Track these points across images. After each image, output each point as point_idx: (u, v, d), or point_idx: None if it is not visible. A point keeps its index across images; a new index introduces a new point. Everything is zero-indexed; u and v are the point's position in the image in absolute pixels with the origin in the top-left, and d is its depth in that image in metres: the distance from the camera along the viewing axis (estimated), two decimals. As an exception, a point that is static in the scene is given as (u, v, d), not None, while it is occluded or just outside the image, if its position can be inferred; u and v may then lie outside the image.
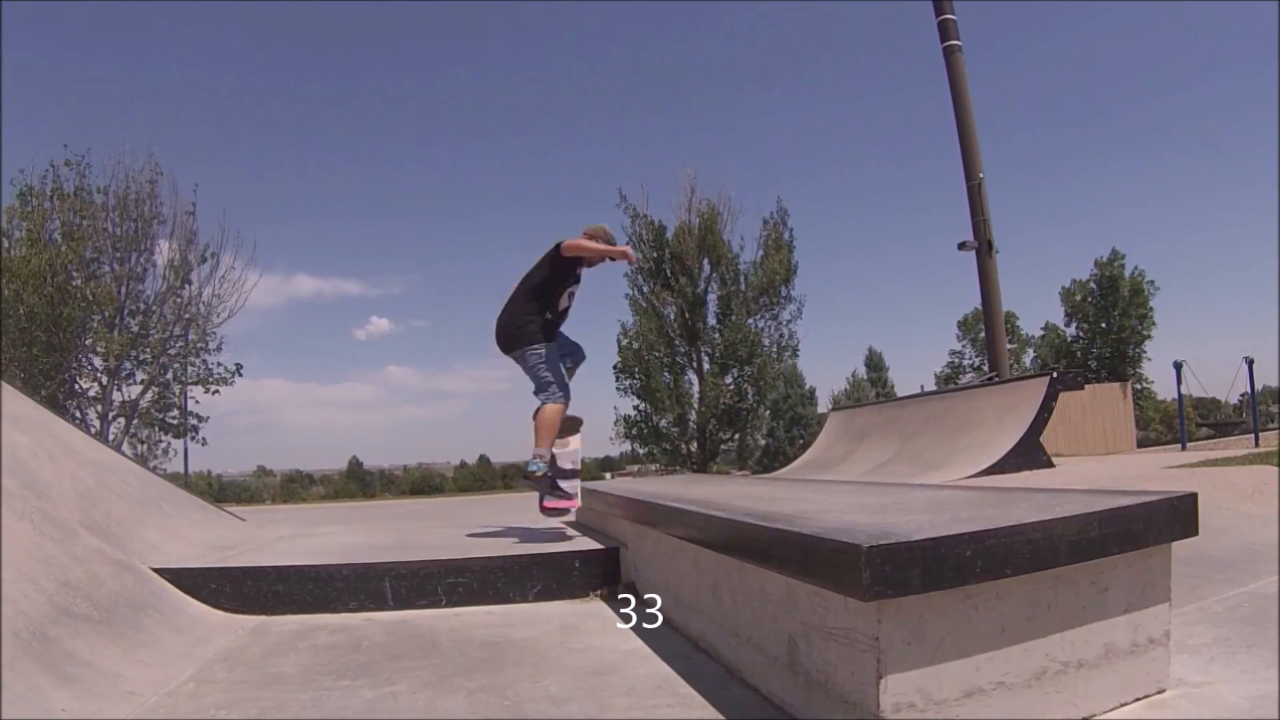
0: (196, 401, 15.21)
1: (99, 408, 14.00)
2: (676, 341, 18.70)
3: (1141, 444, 18.71)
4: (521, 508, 8.65)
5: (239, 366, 15.35)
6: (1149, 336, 29.84)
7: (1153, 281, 29.83)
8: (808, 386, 28.17)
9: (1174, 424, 18.74)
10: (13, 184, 13.63)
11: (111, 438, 13.60)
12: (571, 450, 4.05)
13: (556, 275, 3.93)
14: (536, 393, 3.86)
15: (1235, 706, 1.56)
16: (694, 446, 18.72)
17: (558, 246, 3.90)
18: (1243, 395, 19.44)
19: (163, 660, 2.27)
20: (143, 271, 14.62)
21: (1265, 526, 3.58)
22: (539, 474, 3.75)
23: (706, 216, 18.78)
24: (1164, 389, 30.09)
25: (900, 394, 24.49)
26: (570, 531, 4.21)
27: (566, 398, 3.88)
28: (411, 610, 2.98)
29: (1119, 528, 1.55)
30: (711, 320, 18.88)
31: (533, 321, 3.88)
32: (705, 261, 18.66)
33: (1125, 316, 29.66)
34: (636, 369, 18.46)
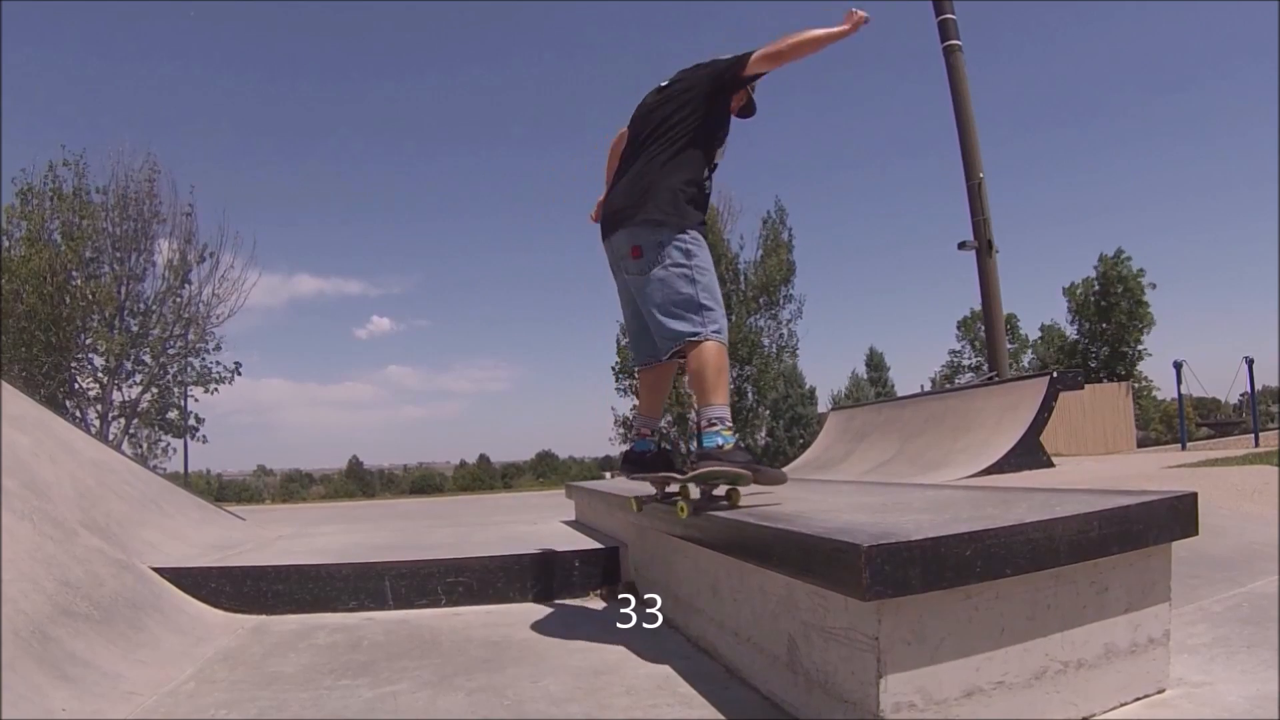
0: (196, 400, 15.23)
1: (99, 408, 14.00)
2: (677, 341, 18.72)
3: (1141, 444, 18.70)
4: (522, 507, 8.66)
5: (238, 365, 15.38)
6: (1145, 331, 29.84)
7: (1151, 281, 29.86)
8: (808, 386, 28.13)
9: (1174, 424, 18.74)
10: (13, 183, 13.66)
11: (111, 438, 13.60)
12: None
13: (719, 118, 2.53)
14: (668, 319, 2.37)
15: (1235, 706, 1.56)
16: (694, 446, 18.73)
17: (737, 64, 2.45)
18: (1243, 395, 19.46)
19: (163, 660, 2.27)
20: (142, 271, 14.65)
21: (1265, 526, 3.58)
22: (729, 446, 2.28)
23: (707, 216, 18.80)
24: (1164, 389, 30.12)
25: (900, 394, 24.50)
26: (570, 531, 4.21)
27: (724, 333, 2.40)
28: (411, 610, 2.98)
29: (1119, 528, 1.55)
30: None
31: (691, 193, 2.46)
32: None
33: (1123, 314, 29.67)
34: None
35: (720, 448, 2.28)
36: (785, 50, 2.42)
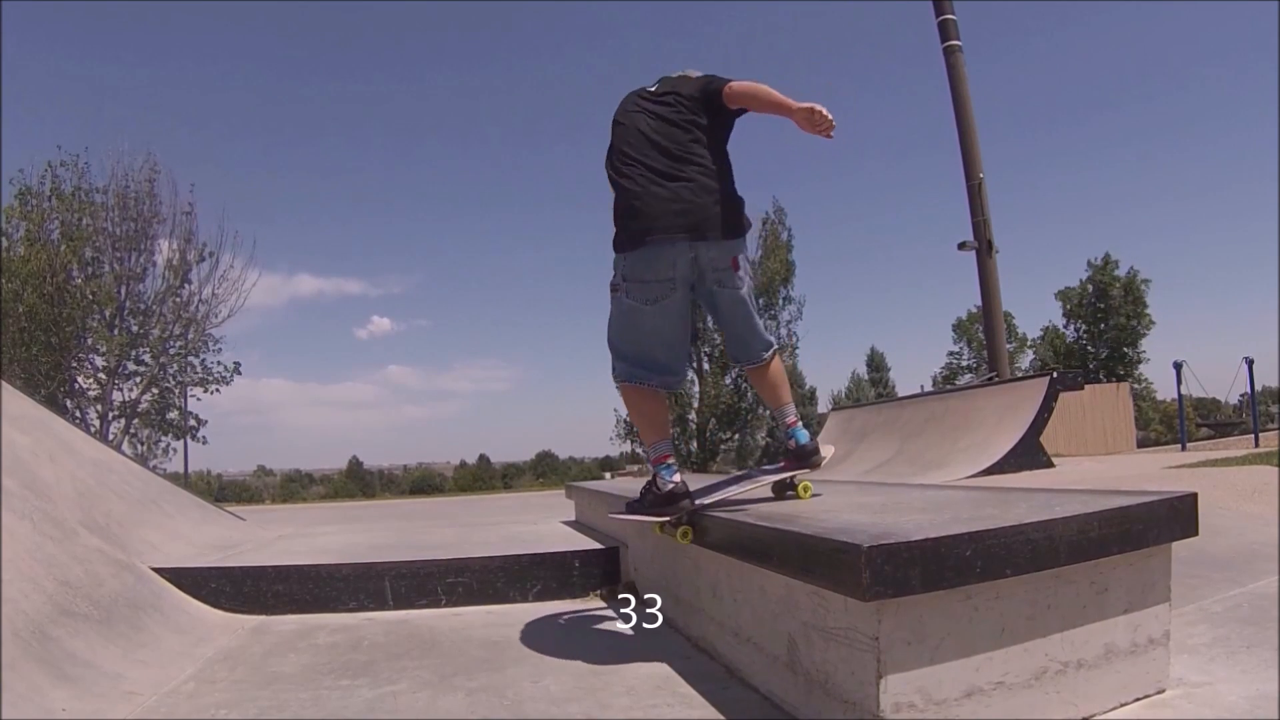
0: (198, 400, 15.24)
1: (99, 408, 14.01)
2: (676, 342, 18.70)
3: (1141, 444, 18.70)
4: (521, 507, 8.66)
5: (237, 365, 15.38)
6: (1144, 334, 29.86)
7: (1147, 280, 29.87)
8: (808, 386, 28.21)
9: (1174, 424, 18.75)
10: (12, 184, 13.66)
11: (111, 438, 13.60)
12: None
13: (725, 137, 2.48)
14: (762, 331, 2.51)
15: (1235, 706, 1.56)
16: (694, 446, 18.74)
17: (715, 90, 2.38)
18: (1243, 395, 19.44)
19: (163, 660, 2.27)
20: (142, 271, 14.65)
21: (1265, 526, 3.58)
22: (811, 441, 2.51)
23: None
24: (1164, 389, 30.15)
25: (901, 394, 24.51)
26: (570, 531, 4.21)
27: None
28: (411, 610, 2.98)
29: (1119, 528, 1.55)
30: (711, 320, 18.90)
31: None
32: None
33: (1121, 316, 29.68)
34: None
35: (806, 450, 2.48)
36: (746, 94, 2.35)
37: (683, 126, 2.38)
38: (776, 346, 2.56)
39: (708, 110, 2.40)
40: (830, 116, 2.24)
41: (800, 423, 2.52)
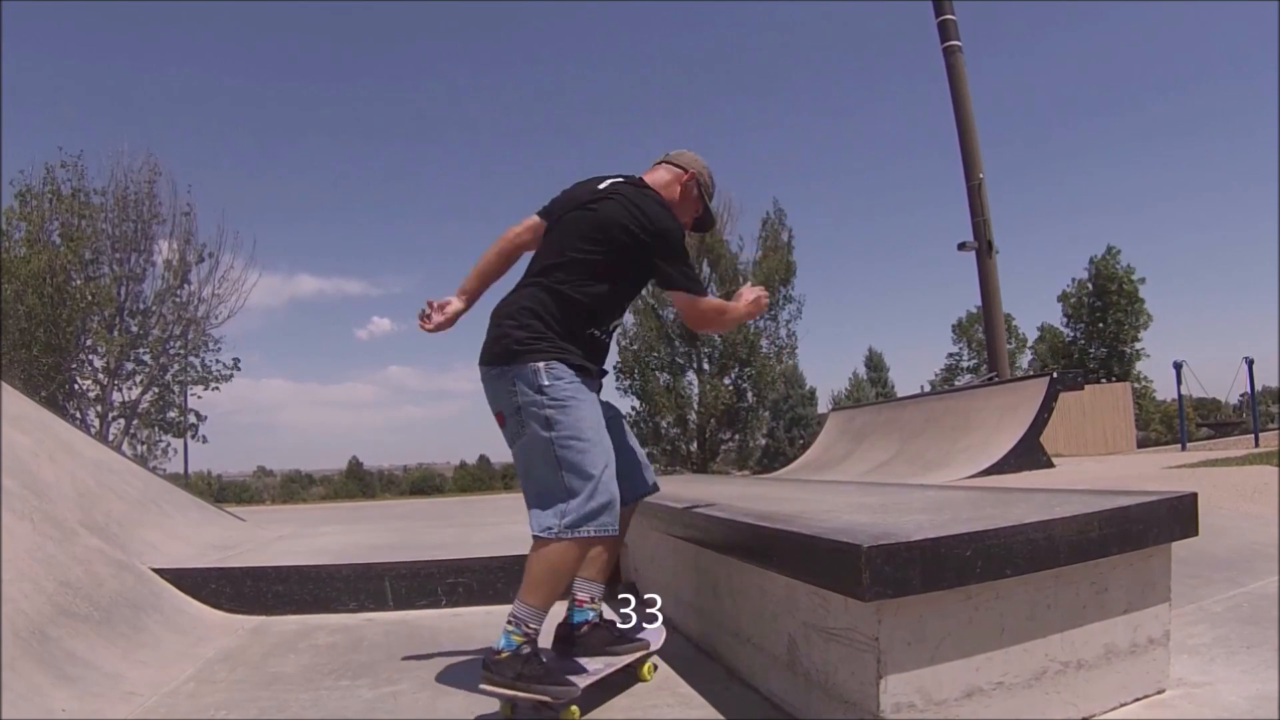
0: (199, 398, 15.22)
1: (99, 408, 14.00)
2: (676, 342, 18.72)
3: (1141, 444, 18.68)
4: (522, 508, 8.61)
5: (236, 361, 15.37)
6: (1143, 327, 29.82)
7: (1141, 279, 29.83)
8: (808, 386, 28.19)
9: (1174, 424, 18.74)
10: (12, 184, 13.65)
11: (111, 438, 13.59)
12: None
13: (643, 263, 2.07)
14: (531, 507, 1.96)
15: (1235, 706, 1.56)
16: (694, 446, 18.73)
17: (681, 284, 2.13)
18: (1243, 395, 19.43)
19: (163, 660, 2.27)
20: (142, 272, 14.64)
21: (1265, 526, 3.58)
22: (506, 653, 1.85)
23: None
24: (1164, 389, 30.11)
25: (900, 394, 24.53)
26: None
27: (614, 520, 1.92)
28: (411, 610, 2.98)
29: (1119, 528, 1.55)
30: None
31: (573, 327, 1.99)
32: (705, 263, 18.67)
33: (1118, 311, 29.67)
34: (636, 370, 18.51)
35: (498, 654, 1.85)
36: (721, 322, 2.33)
37: (579, 246, 2.04)
38: (545, 534, 1.90)
39: (638, 261, 2.07)
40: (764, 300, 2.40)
41: (512, 629, 1.88)
